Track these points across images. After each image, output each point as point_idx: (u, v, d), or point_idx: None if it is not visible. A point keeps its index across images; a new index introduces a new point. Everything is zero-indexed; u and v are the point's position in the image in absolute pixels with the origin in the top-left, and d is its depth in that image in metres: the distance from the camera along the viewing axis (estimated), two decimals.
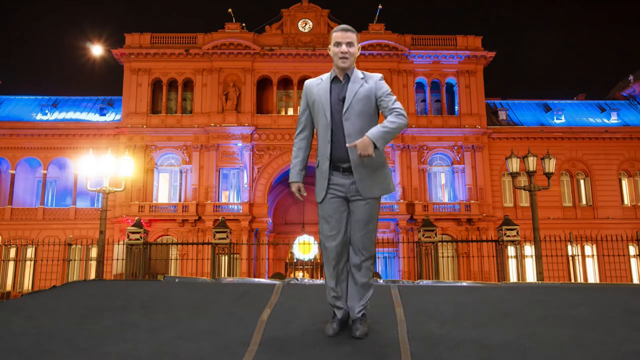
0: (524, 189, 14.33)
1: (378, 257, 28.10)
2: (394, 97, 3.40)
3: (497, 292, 4.98)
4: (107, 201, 13.52)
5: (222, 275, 11.45)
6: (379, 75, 3.50)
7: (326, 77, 3.53)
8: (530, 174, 14.51)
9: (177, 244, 21.35)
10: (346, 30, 3.42)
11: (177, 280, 5.78)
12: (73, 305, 4.36)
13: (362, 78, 3.45)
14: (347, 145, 3.29)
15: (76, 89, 71.78)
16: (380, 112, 3.46)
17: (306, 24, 32.35)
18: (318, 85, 3.53)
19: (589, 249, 28.97)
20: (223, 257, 11.64)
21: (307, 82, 3.63)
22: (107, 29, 53.00)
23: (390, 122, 3.25)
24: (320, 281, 5.37)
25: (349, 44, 3.41)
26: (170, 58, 31.21)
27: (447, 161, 31.22)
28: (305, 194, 3.58)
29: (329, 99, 3.44)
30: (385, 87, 3.43)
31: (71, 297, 4.74)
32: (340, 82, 3.48)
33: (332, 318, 3.60)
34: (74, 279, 17.83)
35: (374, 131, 3.20)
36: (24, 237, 27.20)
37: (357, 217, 3.45)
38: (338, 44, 3.41)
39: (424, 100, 32.50)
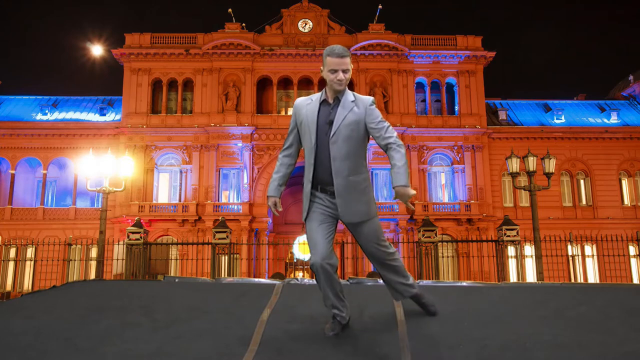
0: (524, 189, 14.34)
1: None
2: (386, 125, 3.39)
3: (497, 292, 4.98)
4: (107, 201, 13.51)
5: (222, 275, 11.45)
6: (370, 99, 3.46)
7: (316, 97, 3.51)
8: (530, 174, 14.51)
9: (177, 244, 21.34)
10: (342, 56, 3.36)
11: (177, 280, 5.77)
12: (73, 305, 4.36)
13: (352, 101, 3.41)
14: (394, 199, 3.42)
15: (76, 89, 71.89)
16: (370, 137, 3.45)
17: (306, 24, 32.36)
18: (307, 105, 3.51)
19: (589, 249, 28.97)
20: (223, 257, 11.64)
21: (297, 101, 3.60)
22: (107, 29, 53.03)
23: (398, 159, 3.30)
24: None
25: (345, 71, 3.38)
26: (170, 58, 31.22)
27: (447, 161, 31.22)
28: (280, 209, 3.61)
29: (315, 122, 3.42)
30: (376, 114, 3.39)
31: (71, 297, 4.74)
32: (329, 104, 3.45)
33: (332, 318, 3.60)
34: (74, 279, 17.82)
35: (402, 177, 3.26)
36: (24, 237, 27.22)
37: (361, 235, 3.52)
38: (334, 71, 3.37)
39: (424, 100, 32.50)
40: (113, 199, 26.64)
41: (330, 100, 3.46)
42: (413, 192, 3.24)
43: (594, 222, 29.85)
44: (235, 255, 12.85)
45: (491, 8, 76.11)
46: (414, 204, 29.51)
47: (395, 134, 3.37)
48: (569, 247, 12.66)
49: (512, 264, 13.93)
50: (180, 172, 30.62)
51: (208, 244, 12.23)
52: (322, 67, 3.46)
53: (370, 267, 26.08)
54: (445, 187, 31.14)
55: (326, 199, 3.47)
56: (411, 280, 3.72)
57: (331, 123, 3.39)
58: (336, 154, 3.36)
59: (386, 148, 3.36)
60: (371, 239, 3.53)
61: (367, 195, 3.48)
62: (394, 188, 3.28)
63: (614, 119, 32.90)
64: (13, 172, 30.48)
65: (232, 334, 3.58)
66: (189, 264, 23.60)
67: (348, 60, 3.39)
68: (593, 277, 28.47)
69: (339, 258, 3.62)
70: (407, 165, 3.31)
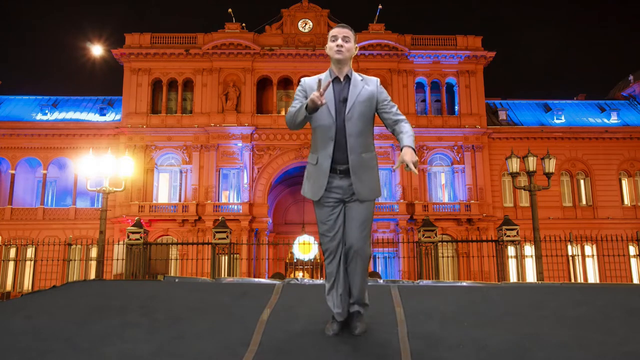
0: (524, 189, 14.33)
1: (378, 257, 28.12)
2: (396, 106, 3.54)
3: (497, 292, 4.98)
4: (107, 201, 13.51)
5: (222, 275, 11.44)
6: (377, 79, 3.59)
7: (324, 76, 3.51)
8: (530, 174, 14.50)
9: (177, 244, 21.34)
10: (343, 27, 3.48)
11: (177, 280, 5.77)
12: (73, 305, 4.36)
13: (361, 80, 3.51)
14: (396, 168, 3.50)
15: (76, 89, 71.73)
16: (379, 115, 3.53)
17: (306, 24, 32.34)
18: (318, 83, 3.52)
19: (589, 249, 28.95)
20: (223, 257, 11.64)
21: (305, 79, 3.59)
22: (107, 29, 53.03)
23: (409, 128, 3.42)
24: (320, 281, 5.36)
25: (345, 38, 3.44)
26: (170, 58, 31.21)
27: (447, 161, 31.22)
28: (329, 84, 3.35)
29: (333, 99, 3.43)
30: (386, 94, 3.53)
31: (71, 297, 4.74)
32: (340, 82, 3.49)
33: (332, 318, 3.60)
34: (74, 279, 17.81)
35: (410, 140, 3.33)
36: (24, 237, 27.21)
37: (355, 217, 3.46)
38: (334, 37, 3.45)
39: (424, 100, 32.49)
40: (113, 199, 26.63)
41: (341, 78, 3.51)
42: (416, 157, 3.23)
43: (594, 222, 29.83)
44: (235, 255, 12.85)
45: (491, 8, 76.10)
46: (413, 204, 29.50)
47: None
48: (569, 247, 12.66)
49: (512, 264, 13.93)
50: (180, 172, 30.61)
51: (208, 244, 12.23)
52: (326, 46, 3.53)
53: (370, 267, 26.04)
54: (445, 187, 31.13)
55: (335, 180, 3.44)
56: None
57: (345, 100, 3.43)
58: (352, 130, 3.40)
59: (396, 123, 3.46)
60: (367, 225, 3.47)
61: (377, 173, 3.58)
62: (402, 147, 3.28)
63: (614, 119, 32.88)
64: (13, 172, 30.46)
65: (232, 334, 3.58)
66: (189, 264, 23.57)
67: (350, 32, 3.47)
68: (593, 277, 28.45)
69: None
70: (414, 136, 3.39)
